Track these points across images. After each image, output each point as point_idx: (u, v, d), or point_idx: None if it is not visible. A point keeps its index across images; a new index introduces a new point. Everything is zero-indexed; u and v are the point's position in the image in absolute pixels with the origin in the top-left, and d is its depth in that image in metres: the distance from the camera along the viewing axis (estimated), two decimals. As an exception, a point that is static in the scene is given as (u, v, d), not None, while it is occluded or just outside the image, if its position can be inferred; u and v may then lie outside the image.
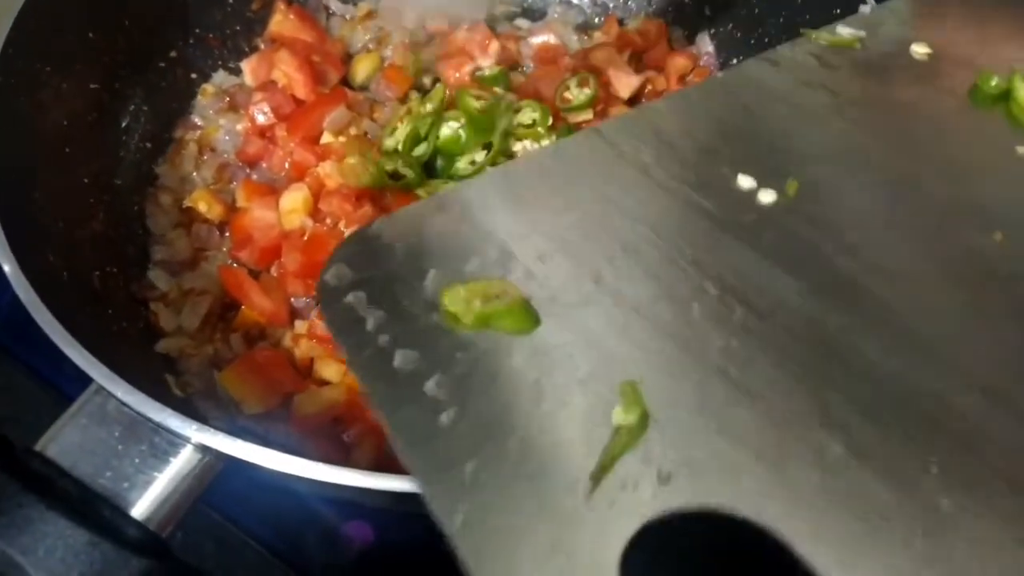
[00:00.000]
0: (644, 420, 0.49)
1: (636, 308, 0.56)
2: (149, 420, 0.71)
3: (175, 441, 0.74)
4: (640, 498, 0.46)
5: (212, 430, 0.70)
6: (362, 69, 1.27)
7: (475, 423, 0.49)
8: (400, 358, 0.52)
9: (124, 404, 0.72)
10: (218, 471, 0.76)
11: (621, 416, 0.49)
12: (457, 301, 0.54)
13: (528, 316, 0.55)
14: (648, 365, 0.53)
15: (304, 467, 0.69)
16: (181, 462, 0.74)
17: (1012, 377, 0.53)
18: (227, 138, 1.18)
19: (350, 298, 0.55)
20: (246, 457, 0.69)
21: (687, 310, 0.56)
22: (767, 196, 0.64)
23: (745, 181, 0.65)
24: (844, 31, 0.79)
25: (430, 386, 0.51)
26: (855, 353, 0.54)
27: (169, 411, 0.71)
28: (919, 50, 0.78)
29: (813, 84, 0.73)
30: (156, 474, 0.73)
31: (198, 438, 0.71)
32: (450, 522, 0.44)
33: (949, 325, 0.57)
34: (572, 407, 0.50)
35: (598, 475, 0.47)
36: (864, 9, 0.86)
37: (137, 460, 0.74)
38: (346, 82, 1.26)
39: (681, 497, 0.46)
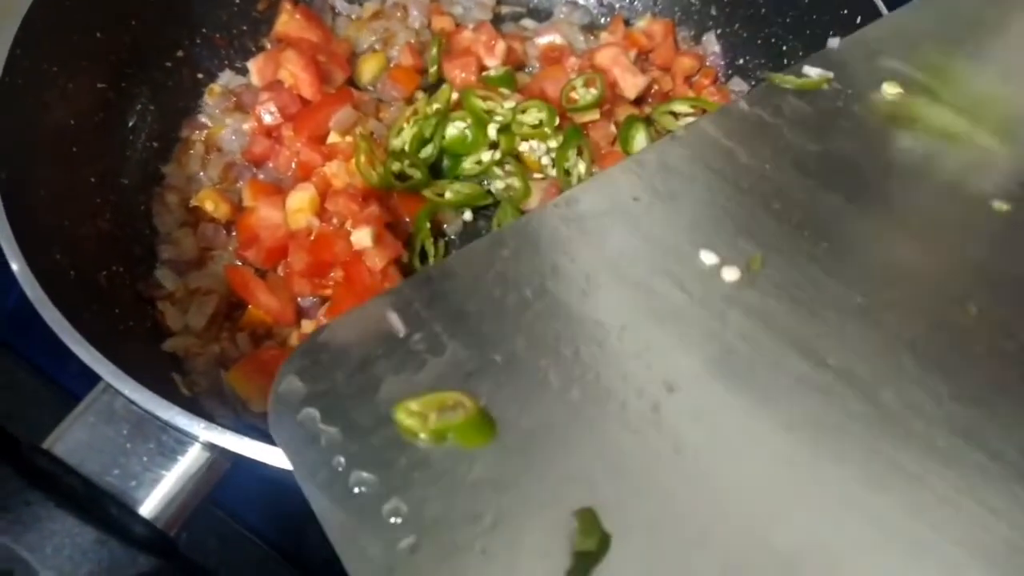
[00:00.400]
0: (605, 543, 0.48)
1: (594, 418, 0.54)
2: (157, 418, 0.71)
3: (183, 439, 0.74)
4: None
5: (220, 428, 0.70)
6: (368, 69, 1.27)
7: (435, 551, 0.47)
8: (356, 479, 0.50)
9: (132, 402, 0.72)
10: (225, 470, 0.76)
11: (580, 542, 0.48)
12: (411, 416, 0.52)
13: (485, 428, 0.53)
14: (605, 485, 0.50)
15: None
16: (189, 460, 0.74)
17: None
18: (233, 138, 1.18)
19: (302, 415, 0.52)
20: (255, 456, 0.69)
21: (653, 418, 0.54)
22: (731, 274, 0.62)
23: (708, 257, 0.63)
24: (811, 72, 0.75)
25: (388, 509, 0.49)
26: (826, 463, 0.52)
27: (177, 409, 0.71)
28: (890, 90, 0.74)
29: (776, 142, 0.70)
30: (164, 472, 0.73)
31: (206, 436, 0.71)
32: None
33: (919, 402, 0.56)
34: (531, 532, 0.49)
35: None
36: (832, 43, 0.82)
37: (145, 458, 0.74)
38: (352, 82, 1.26)
39: None
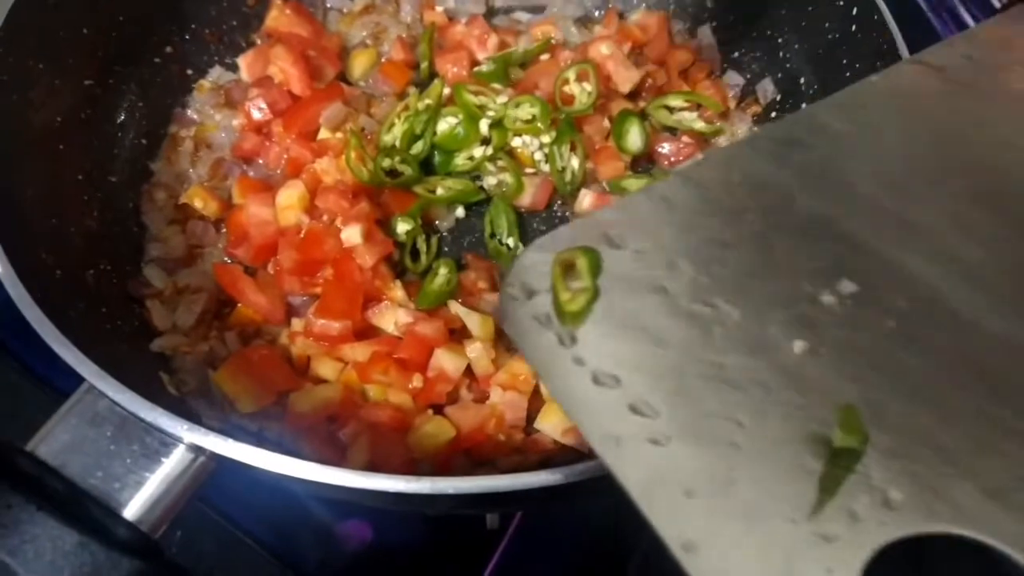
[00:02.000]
0: (864, 443, 0.48)
1: (827, 338, 0.53)
2: (140, 419, 0.71)
3: (167, 441, 0.73)
4: (866, 526, 0.45)
5: (203, 429, 0.70)
6: (359, 64, 1.26)
7: (693, 450, 0.48)
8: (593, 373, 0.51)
9: (115, 403, 0.71)
10: (211, 471, 0.75)
11: (841, 439, 0.48)
12: None
13: None
14: (857, 392, 0.51)
15: (296, 467, 0.68)
16: (173, 462, 0.73)
17: None
18: (223, 134, 1.17)
19: (530, 310, 0.55)
20: (238, 457, 0.69)
21: (880, 328, 0.54)
22: None
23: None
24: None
25: (628, 400, 0.50)
26: None
27: (160, 410, 0.70)
28: None
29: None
30: (147, 474, 0.73)
31: (190, 438, 0.70)
32: (680, 549, 0.44)
33: None
34: (785, 433, 0.49)
35: (822, 500, 0.46)
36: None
37: (128, 460, 0.73)
38: (343, 77, 1.25)
39: (907, 524, 0.45)
